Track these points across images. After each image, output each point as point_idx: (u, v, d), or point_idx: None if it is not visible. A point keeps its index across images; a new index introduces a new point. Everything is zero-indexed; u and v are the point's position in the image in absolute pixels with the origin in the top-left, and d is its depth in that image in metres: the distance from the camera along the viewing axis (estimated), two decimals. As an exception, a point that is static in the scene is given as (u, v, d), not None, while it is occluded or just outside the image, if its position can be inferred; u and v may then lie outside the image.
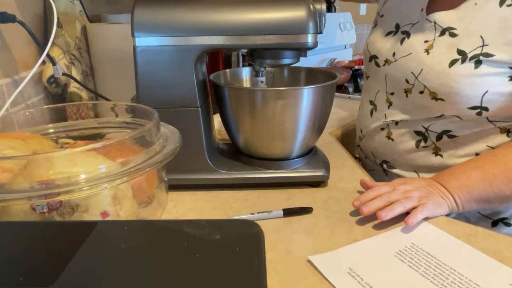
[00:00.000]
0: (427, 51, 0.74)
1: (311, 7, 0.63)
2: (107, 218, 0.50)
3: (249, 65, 0.77)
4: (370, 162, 0.93)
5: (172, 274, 0.30)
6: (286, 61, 0.68)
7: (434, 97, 0.72)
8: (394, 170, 0.86)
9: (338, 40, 1.90)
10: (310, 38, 0.64)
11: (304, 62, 0.73)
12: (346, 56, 2.01)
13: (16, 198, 0.43)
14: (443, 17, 0.74)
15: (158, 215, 0.60)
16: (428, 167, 0.80)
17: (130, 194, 0.53)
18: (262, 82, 0.73)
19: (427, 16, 0.76)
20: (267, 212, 0.63)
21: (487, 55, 0.67)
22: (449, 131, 0.76)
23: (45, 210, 0.47)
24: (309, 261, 0.52)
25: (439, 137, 0.77)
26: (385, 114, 0.84)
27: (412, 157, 0.82)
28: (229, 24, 0.64)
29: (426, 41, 0.75)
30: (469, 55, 0.68)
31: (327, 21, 0.69)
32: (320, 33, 0.65)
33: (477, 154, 0.75)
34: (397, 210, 0.59)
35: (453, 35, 0.71)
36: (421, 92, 0.74)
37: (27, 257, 0.33)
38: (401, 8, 0.84)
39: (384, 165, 0.88)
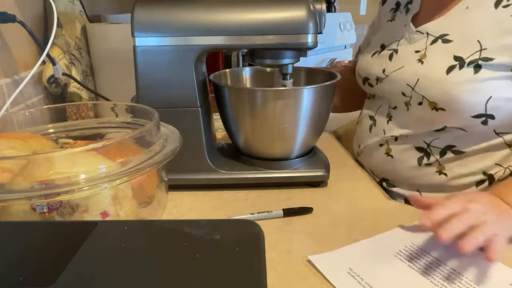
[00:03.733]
0: (420, 60, 0.70)
1: (311, 7, 0.63)
2: (107, 218, 0.50)
3: (250, 65, 0.77)
4: None
5: (172, 274, 0.30)
6: (286, 61, 0.68)
7: (434, 107, 0.68)
8: (395, 189, 0.80)
9: (338, 40, 1.90)
10: (310, 38, 0.64)
11: (304, 62, 0.73)
12: (346, 56, 2.01)
13: (16, 198, 0.43)
14: (434, 26, 0.71)
15: (158, 215, 0.60)
16: (432, 186, 0.75)
17: (130, 194, 0.53)
18: (287, 85, 0.71)
19: (417, 28, 0.74)
20: (267, 212, 0.63)
21: (487, 59, 0.64)
22: (453, 146, 0.71)
23: (45, 210, 0.47)
24: (309, 261, 0.52)
25: (442, 152, 0.72)
26: (384, 130, 0.79)
27: (414, 175, 0.76)
28: (229, 24, 0.64)
29: (417, 51, 0.72)
30: (467, 61, 0.65)
31: (327, 21, 0.69)
32: (320, 33, 0.65)
33: (484, 172, 0.71)
34: (480, 240, 0.49)
35: (446, 41, 0.68)
36: (420, 104, 0.70)
37: (27, 257, 0.33)
38: (385, 32, 0.84)
39: (384, 183, 0.82)
